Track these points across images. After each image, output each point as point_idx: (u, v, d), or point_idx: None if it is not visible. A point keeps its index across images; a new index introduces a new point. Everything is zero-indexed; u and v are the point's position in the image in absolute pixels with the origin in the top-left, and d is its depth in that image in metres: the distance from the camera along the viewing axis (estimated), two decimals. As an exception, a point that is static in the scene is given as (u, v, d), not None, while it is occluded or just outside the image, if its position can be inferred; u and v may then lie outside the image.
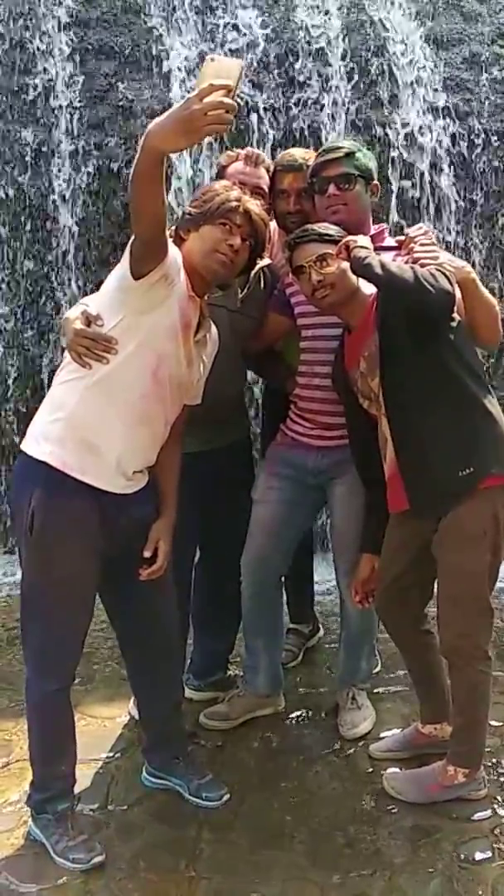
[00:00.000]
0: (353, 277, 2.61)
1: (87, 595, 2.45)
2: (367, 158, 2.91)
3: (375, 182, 2.93)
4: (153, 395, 2.36)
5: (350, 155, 2.85)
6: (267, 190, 3.07)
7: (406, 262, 2.51)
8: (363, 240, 2.57)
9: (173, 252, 2.29)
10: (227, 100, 1.85)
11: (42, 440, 2.34)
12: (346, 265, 2.58)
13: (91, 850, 2.43)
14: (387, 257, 2.57)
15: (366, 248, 2.52)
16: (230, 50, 5.22)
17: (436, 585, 2.71)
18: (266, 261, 3.17)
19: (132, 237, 2.22)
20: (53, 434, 2.32)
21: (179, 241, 2.43)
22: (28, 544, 2.35)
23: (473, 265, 4.86)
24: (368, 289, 2.64)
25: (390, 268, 2.41)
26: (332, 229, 2.69)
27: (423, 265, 2.45)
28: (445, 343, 2.51)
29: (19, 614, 2.50)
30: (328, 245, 2.64)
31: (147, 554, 2.50)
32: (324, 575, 4.15)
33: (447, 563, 2.57)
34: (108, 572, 2.45)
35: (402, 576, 2.72)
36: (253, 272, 3.06)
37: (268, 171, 3.10)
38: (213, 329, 2.60)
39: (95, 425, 2.32)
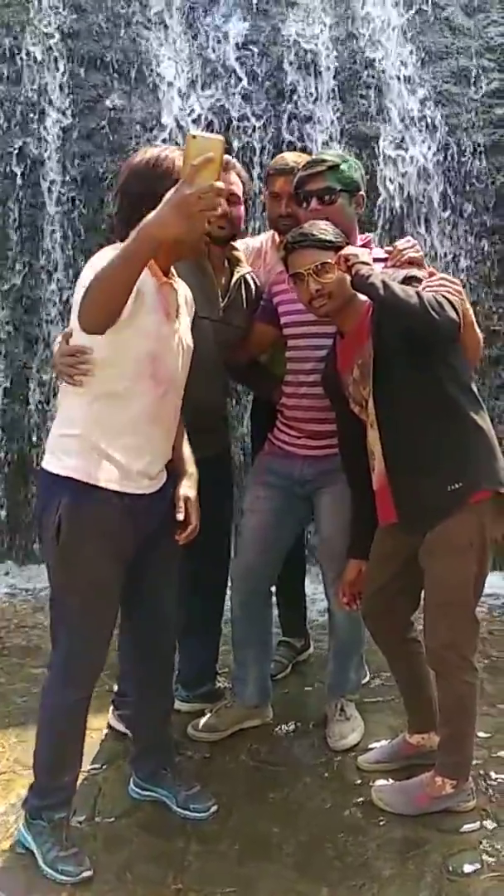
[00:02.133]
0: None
1: (112, 603, 2.43)
2: (353, 170, 2.90)
3: (361, 193, 2.93)
4: (157, 396, 2.36)
5: (333, 168, 2.84)
6: (240, 195, 3.03)
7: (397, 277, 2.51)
8: (363, 254, 2.56)
9: None
10: (218, 183, 1.92)
11: (62, 456, 2.34)
12: (342, 273, 2.58)
13: (80, 865, 2.41)
14: (377, 268, 2.57)
15: (367, 263, 2.50)
16: (218, 60, 5.23)
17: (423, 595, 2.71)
18: (247, 269, 3.17)
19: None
20: (71, 449, 2.32)
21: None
22: (55, 552, 2.34)
23: (461, 276, 4.92)
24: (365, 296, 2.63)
25: (394, 290, 2.39)
26: (330, 233, 2.67)
27: (425, 287, 2.44)
28: (439, 358, 2.51)
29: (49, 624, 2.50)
30: (327, 252, 2.62)
31: (180, 516, 2.50)
32: (315, 590, 4.15)
33: (433, 573, 2.58)
34: (130, 572, 2.45)
35: (389, 584, 2.72)
36: (233, 280, 3.06)
37: (239, 176, 3.04)
38: (185, 290, 2.52)
39: (109, 437, 2.31)
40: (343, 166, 2.87)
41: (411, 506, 2.57)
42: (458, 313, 2.39)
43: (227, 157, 3.08)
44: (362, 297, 2.64)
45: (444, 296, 2.39)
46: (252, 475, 3.22)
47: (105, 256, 2.25)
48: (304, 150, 4.91)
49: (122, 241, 2.37)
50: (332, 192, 2.84)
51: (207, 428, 2.94)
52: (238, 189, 3.01)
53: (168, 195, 1.98)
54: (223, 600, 3.31)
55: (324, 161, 2.87)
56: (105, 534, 2.34)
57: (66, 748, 2.49)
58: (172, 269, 2.44)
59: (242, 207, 3.04)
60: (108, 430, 2.31)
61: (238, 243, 3.58)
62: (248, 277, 3.16)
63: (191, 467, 2.60)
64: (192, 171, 1.92)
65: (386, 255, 2.85)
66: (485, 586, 2.61)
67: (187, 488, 2.55)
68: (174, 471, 2.55)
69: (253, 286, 3.18)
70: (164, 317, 2.34)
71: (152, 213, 2.00)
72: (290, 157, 3.22)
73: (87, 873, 2.39)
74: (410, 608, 2.80)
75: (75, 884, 2.37)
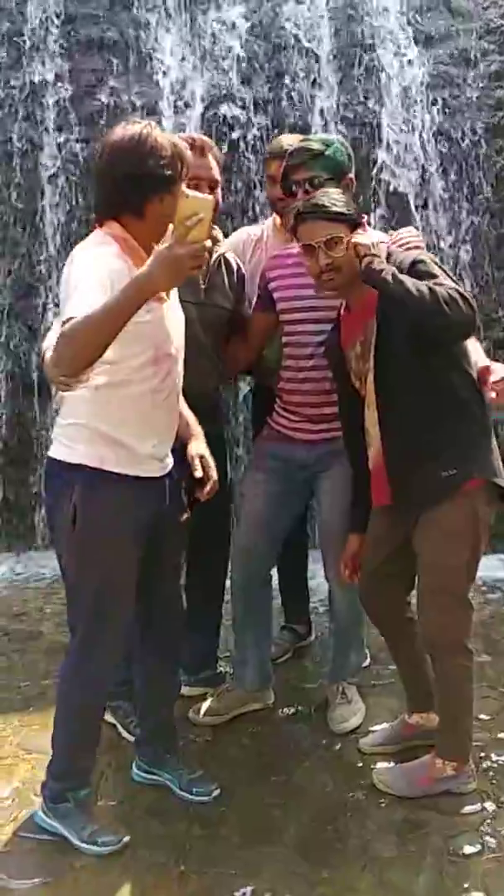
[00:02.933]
0: None
1: (130, 587, 2.43)
2: (338, 154, 2.85)
3: (350, 176, 2.89)
4: (159, 379, 2.35)
5: (318, 156, 2.80)
6: (218, 178, 2.96)
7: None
8: (373, 242, 2.50)
9: (108, 277, 2.15)
10: (207, 242, 2.06)
11: (71, 444, 2.33)
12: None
13: (117, 832, 2.45)
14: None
15: (376, 255, 2.46)
16: (217, 44, 5.20)
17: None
18: (224, 247, 3.13)
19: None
20: (79, 437, 2.31)
21: (142, 207, 2.28)
22: (71, 540, 2.33)
23: (460, 259, 4.90)
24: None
25: (407, 285, 2.34)
26: (343, 205, 2.59)
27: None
28: (447, 354, 2.50)
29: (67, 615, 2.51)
30: (339, 225, 2.56)
31: (198, 473, 2.49)
32: (317, 575, 4.16)
33: (426, 557, 2.59)
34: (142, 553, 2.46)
35: (385, 565, 2.74)
36: (212, 260, 3.02)
37: (215, 158, 2.97)
38: None
39: (115, 424, 2.31)
40: (328, 152, 2.82)
41: (405, 488, 2.58)
42: (473, 309, 2.36)
43: (203, 138, 2.99)
44: None
45: (457, 290, 2.35)
46: (251, 460, 3.21)
47: (88, 256, 2.21)
48: (302, 132, 4.88)
49: (100, 225, 2.33)
50: (318, 181, 2.80)
51: (199, 413, 2.88)
52: (216, 173, 2.96)
53: (160, 251, 2.02)
54: (223, 584, 3.32)
55: (308, 150, 2.83)
56: (121, 518, 2.34)
57: (87, 733, 2.51)
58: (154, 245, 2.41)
59: (220, 191, 2.99)
60: (113, 418, 2.30)
61: (239, 232, 3.57)
62: (228, 256, 3.13)
63: (196, 427, 2.60)
64: (184, 231, 2.01)
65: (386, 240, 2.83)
66: (493, 569, 2.62)
67: (198, 447, 2.55)
68: (182, 438, 2.54)
69: (234, 265, 3.15)
70: (157, 302, 2.32)
71: (144, 269, 2.04)
72: (286, 140, 3.20)
73: (126, 839, 2.44)
74: (406, 588, 2.82)
75: (112, 853, 2.40)
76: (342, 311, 2.78)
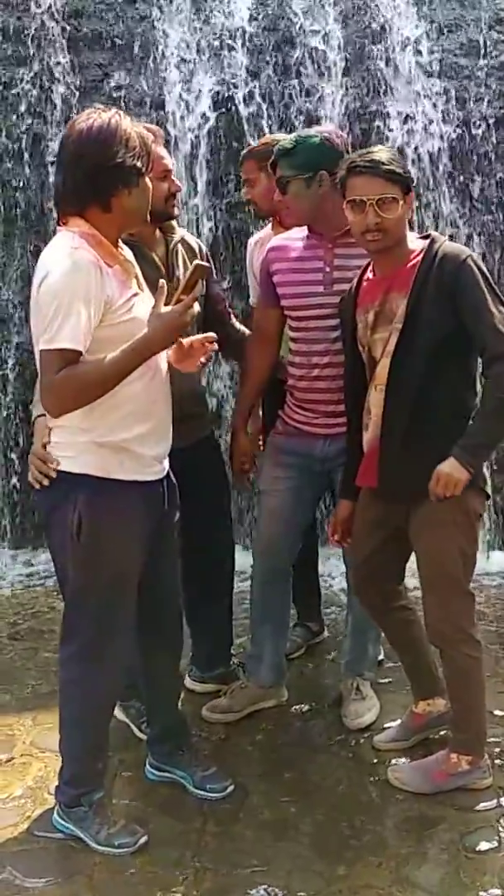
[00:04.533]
0: (406, 226, 2.54)
1: (134, 589, 2.43)
2: (311, 148, 2.75)
3: (322, 171, 2.76)
4: (149, 376, 2.32)
5: (286, 153, 2.76)
6: (171, 167, 2.87)
7: None
8: (454, 470, 2.45)
9: (86, 289, 2.17)
10: (197, 307, 2.30)
11: (73, 454, 2.30)
12: (404, 211, 2.49)
13: (134, 833, 2.44)
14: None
15: (450, 473, 2.45)
16: (224, 36, 5.17)
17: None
18: (182, 231, 3.04)
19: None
20: (81, 447, 2.29)
21: (109, 200, 2.24)
22: (75, 549, 2.31)
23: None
24: (414, 244, 2.56)
25: (493, 436, 2.49)
26: (399, 165, 2.50)
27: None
28: (464, 357, 2.51)
29: (63, 620, 2.49)
30: (394, 186, 2.47)
31: (186, 342, 2.40)
32: (329, 579, 4.17)
33: (421, 548, 2.62)
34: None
35: (373, 555, 2.75)
36: (171, 248, 2.91)
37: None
38: (129, 254, 2.42)
39: (117, 430, 2.29)
40: (298, 148, 2.76)
41: (394, 477, 2.58)
42: None
43: (153, 128, 2.86)
44: (411, 247, 2.55)
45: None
46: (266, 455, 3.18)
47: (62, 269, 2.16)
48: (311, 124, 4.85)
49: (65, 222, 2.27)
50: (284, 181, 2.78)
51: (188, 414, 2.78)
52: (171, 164, 2.87)
53: (169, 317, 2.19)
54: (231, 578, 3.31)
55: (279, 149, 2.80)
56: (127, 526, 2.33)
57: (100, 737, 2.51)
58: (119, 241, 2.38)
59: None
60: (113, 425, 2.29)
61: (248, 244, 3.56)
62: (187, 239, 3.01)
63: None
64: (191, 301, 2.22)
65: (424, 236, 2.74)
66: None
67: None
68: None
69: (195, 246, 3.02)
70: (133, 296, 2.29)
71: (148, 334, 2.19)
72: (259, 142, 3.27)
73: (143, 839, 2.44)
74: (397, 577, 2.83)
75: (134, 852, 2.41)
76: (366, 275, 2.69)
